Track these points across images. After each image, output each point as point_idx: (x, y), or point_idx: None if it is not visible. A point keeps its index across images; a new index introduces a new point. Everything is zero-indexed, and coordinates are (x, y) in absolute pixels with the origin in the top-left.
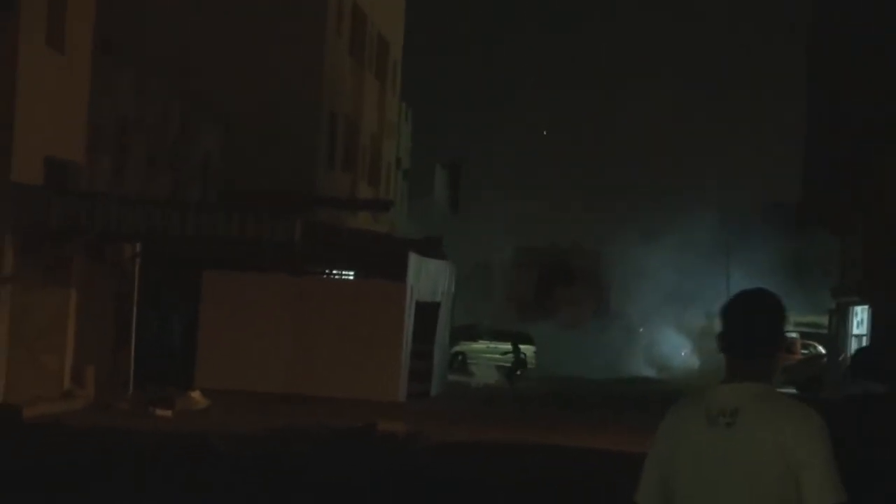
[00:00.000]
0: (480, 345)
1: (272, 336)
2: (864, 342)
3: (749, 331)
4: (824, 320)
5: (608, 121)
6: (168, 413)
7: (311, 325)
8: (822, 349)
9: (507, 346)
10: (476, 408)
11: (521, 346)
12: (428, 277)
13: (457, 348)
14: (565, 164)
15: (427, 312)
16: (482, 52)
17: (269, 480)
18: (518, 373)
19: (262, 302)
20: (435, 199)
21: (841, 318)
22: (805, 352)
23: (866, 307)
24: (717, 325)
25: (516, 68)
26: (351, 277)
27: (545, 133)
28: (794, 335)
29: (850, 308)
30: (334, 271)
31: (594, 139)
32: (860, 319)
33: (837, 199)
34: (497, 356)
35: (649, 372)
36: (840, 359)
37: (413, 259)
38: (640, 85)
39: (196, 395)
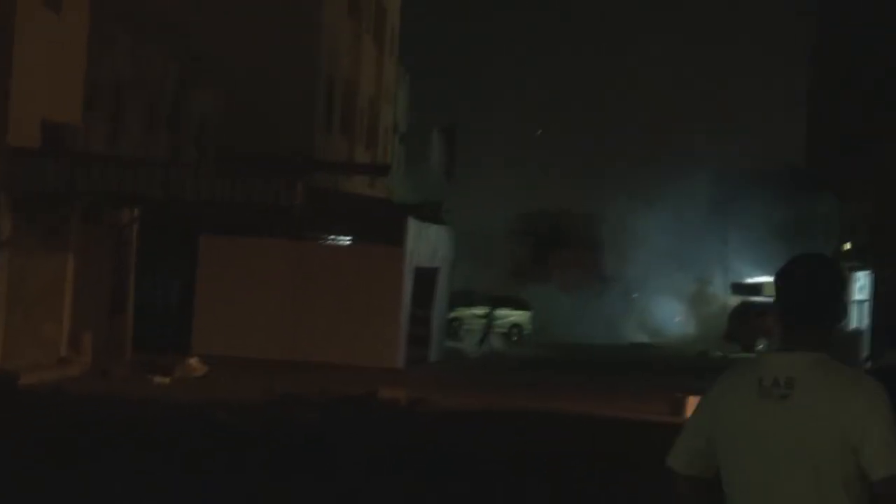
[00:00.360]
0: (478, 311)
1: (270, 302)
2: (867, 308)
3: (809, 295)
4: None
5: (605, 84)
6: (166, 380)
7: (309, 290)
8: None
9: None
10: (475, 374)
11: (518, 311)
12: (427, 243)
13: (453, 314)
14: (562, 129)
15: (426, 278)
16: (479, 18)
17: (271, 454)
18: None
19: (259, 267)
20: (431, 165)
21: None
22: None
23: (868, 272)
24: (772, 288)
25: (513, 34)
26: (349, 242)
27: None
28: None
29: (851, 273)
30: (332, 236)
31: (590, 102)
32: (862, 285)
33: (842, 162)
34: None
35: (643, 337)
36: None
37: (412, 224)
38: (638, 46)
39: (194, 361)
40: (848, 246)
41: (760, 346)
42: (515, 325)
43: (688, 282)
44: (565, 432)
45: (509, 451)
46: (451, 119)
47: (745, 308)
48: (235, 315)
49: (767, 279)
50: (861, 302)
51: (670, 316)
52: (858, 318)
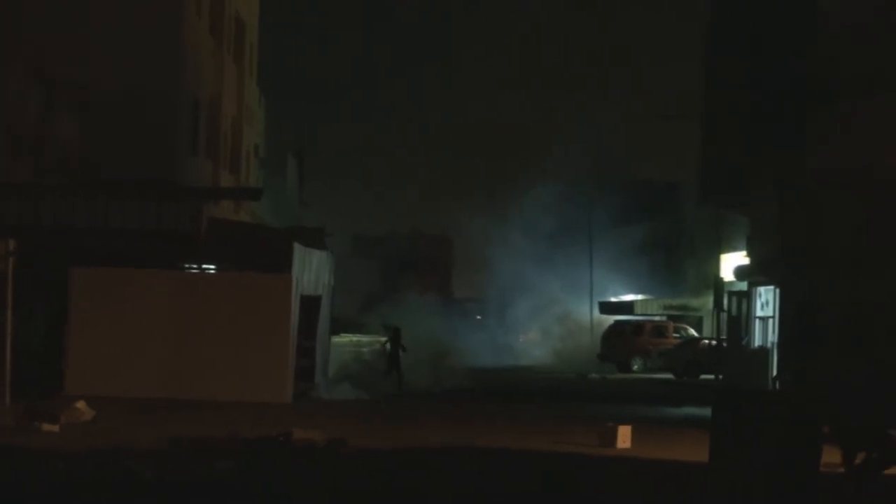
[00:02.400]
0: (342, 338)
1: (149, 337)
2: (771, 325)
3: None
4: (696, 302)
5: (463, 102)
6: (55, 427)
7: (191, 324)
8: (694, 332)
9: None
10: (373, 407)
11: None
12: (311, 269)
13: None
14: (411, 152)
15: (310, 306)
16: (328, 39)
17: None
18: (390, 370)
19: (138, 300)
20: (287, 188)
21: (743, 300)
22: (677, 335)
23: (772, 288)
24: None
25: (367, 53)
26: (232, 271)
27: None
28: (663, 318)
29: (754, 289)
30: (214, 265)
31: (441, 126)
32: (765, 301)
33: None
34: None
35: (506, 360)
36: (743, 343)
37: (298, 250)
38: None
39: (81, 405)
40: (747, 260)
41: (636, 366)
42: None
43: (547, 301)
44: (503, 469)
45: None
46: (303, 140)
47: (619, 327)
48: (112, 352)
49: (638, 297)
50: (764, 318)
51: (524, 337)
52: (763, 335)
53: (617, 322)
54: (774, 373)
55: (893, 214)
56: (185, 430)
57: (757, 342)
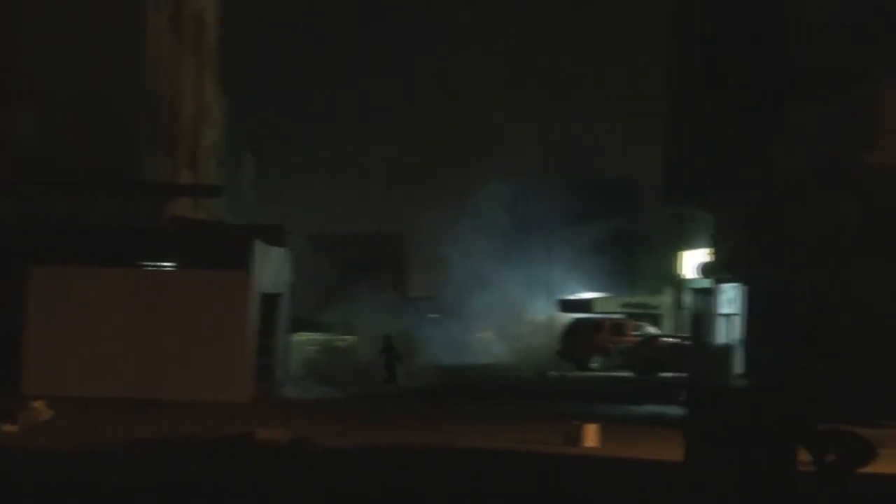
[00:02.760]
0: (301, 337)
1: (108, 336)
2: (737, 322)
3: None
4: (655, 300)
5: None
6: (14, 428)
7: (151, 322)
8: (653, 330)
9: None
10: (337, 405)
11: (345, 337)
12: (271, 267)
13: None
14: (369, 151)
15: (270, 304)
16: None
17: None
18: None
19: (96, 298)
20: (244, 186)
21: (707, 298)
22: (636, 333)
23: (737, 285)
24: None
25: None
26: (192, 269)
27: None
28: (622, 316)
29: (718, 286)
30: (174, 263)
31: (401, 126)
32: (729, 298)
33: (701, 173)
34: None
35: (462, 358)
36: (707, 340)
37: (258, 247)
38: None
39: (39, 405)
40: (711, 257)
41: (595, 364)
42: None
43: (504, 299)
44: (472, 468)
45: (436, 493)
46: (260, 139)
47: (578, 325)
48: (70, 352)
49: (598, 295)
50: (729, 316)
51: (481, 335)
52: (727, 332)
53: (576, 320)
54: (739, 371)
55: (862, 212)
56: (146, 430)
57: (720, 339)
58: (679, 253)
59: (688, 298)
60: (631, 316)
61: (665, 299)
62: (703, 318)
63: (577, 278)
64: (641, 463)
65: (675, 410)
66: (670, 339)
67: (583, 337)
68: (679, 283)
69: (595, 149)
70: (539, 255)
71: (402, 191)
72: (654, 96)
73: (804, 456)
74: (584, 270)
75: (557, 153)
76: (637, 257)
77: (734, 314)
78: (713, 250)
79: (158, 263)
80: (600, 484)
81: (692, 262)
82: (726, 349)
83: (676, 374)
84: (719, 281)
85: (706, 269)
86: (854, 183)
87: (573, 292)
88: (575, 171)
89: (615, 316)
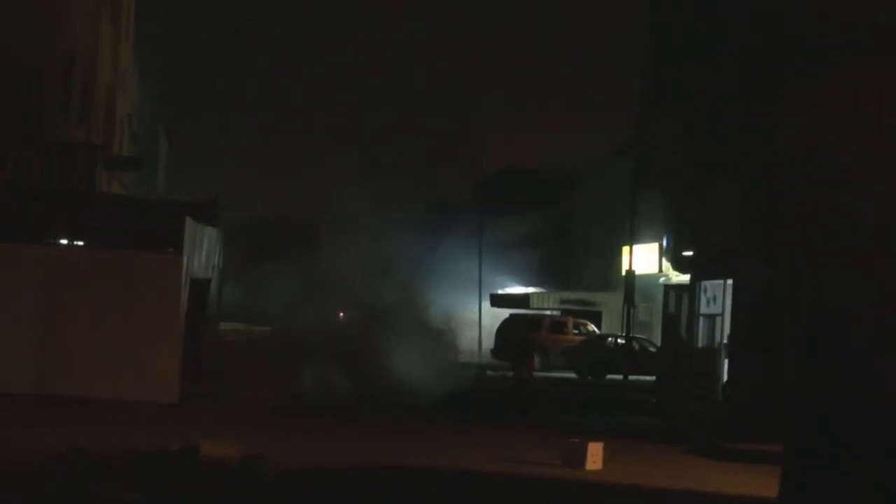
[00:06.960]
0: (226, 326)
1: (12, 322)
2: (720, 323)
3: None
4: (595, 297)
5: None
6: None
7: (62, 308)
8: (595, 329)
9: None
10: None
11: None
12: (202, 249)
13: None
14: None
15: (199, 291)
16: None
17: None
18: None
19: None
20: (158, 165)
21: (684, 296)
22: (577, 332)
23: (721, 282)
24: None
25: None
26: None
27: None
28: (561, 314)
29: (698, 283)
30: (89, 241)
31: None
32: (711, 296)
33: (683, 161)
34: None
35: None
36: (683, 341)
37: (190, 226)
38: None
39: None
40: (689, 252)
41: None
42: None
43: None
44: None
45: None
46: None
47: (514, 322)
48: None
49: (534, 290)
50: (711, 316)
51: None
52: (709, 334)
53: (512, 316)
54: (724, 379)
55: (863, 202)
56: (61, 437)
57: (701, 342)
58: (624, 248)
59: (662, 296)
60: (570, 313)
61: (606, 296)
62: (678, 318)
63: (506, 272)
64: (671, 494)
65: (655, 422)
66: (620, 339)
67: (520, 334)
68: (630, 279)
69: (536, 139)
70: (467, 248)
71: (326, 178)
72: (625, 78)
73: None
74: (515, 263)
75: (491, 143)
76: (573, 251)
77: (717, 314)
78: (694, 244)
79: (71, 242)
80: None
81: (644, 256)
82: (709, 352)
83: (625, 377)
84: (700, 278)
85: (683, 264)
86: (857, 168)
87: (502, 286)
88: (508, 163)
89: (553, 313)
